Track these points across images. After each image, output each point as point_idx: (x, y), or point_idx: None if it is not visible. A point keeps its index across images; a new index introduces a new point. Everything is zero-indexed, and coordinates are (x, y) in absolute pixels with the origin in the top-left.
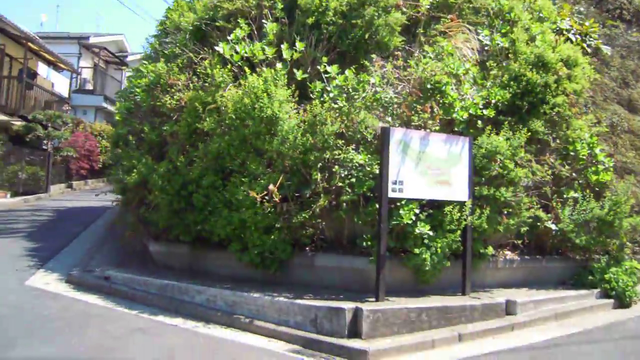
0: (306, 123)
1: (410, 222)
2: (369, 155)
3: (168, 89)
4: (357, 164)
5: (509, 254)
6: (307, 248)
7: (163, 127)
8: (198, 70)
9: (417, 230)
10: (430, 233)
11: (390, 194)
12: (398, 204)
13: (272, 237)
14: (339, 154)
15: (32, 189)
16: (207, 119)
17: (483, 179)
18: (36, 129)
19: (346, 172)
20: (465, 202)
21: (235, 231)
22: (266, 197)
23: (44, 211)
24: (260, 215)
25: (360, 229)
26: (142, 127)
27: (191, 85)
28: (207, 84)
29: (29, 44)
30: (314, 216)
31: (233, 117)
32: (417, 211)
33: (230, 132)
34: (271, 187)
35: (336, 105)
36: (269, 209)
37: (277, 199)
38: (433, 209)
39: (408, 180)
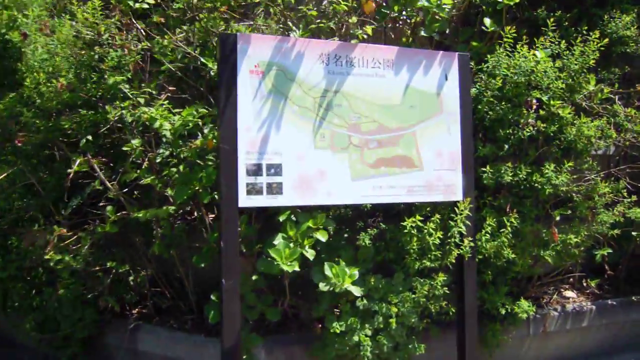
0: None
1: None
2: (195, 111)
3: None
4: (167, 133)
5: (571, 297)
6: (136, 311)
7: None
8: None
9: (325, 286)
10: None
11: (244, 202)
12: (280, 218)
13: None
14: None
15: None
16: None
17: (501, 148)
18: None
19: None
20: (457, 202)
21: None
22: None
23: None
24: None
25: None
26: None
27: None
28: None
29: None
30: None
31: None
32: (322, 238)
33: None
34: None
35: None
36: None
37: None
38: (383, 221)
39: (295, 161)
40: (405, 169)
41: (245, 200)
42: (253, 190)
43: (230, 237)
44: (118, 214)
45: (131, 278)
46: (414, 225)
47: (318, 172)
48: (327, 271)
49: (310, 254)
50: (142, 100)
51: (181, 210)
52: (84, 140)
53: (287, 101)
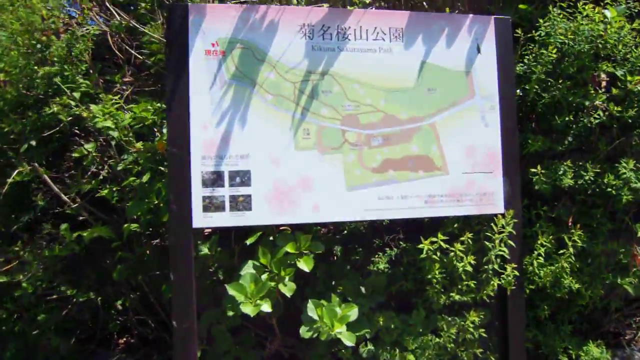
0: None
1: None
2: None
3: None
4: (114, 135)
5: None
6: (122, 341)
7: None
8: None
9: (307, 331)
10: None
11: (199, 222)
12: (248, 242)
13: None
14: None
15: None
16: None
17: (559, 141)
18: None
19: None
20: (496, 215)
21: None
22: None
23: None
24: None
25: None
26: None
27: None
28: None
29: None
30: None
31: None
32: (305, 267)
33: None
34: None
35: None
36: None
37: None
38: (404, 238)
39: (269, 167)
40: (422, 172)
41: (200, 220)
42: (211, 205)
43: (182, 267)
44: (84, 232)
45: (120, 303)
46: (434, 247)
47: (301, 180)
48: (311, 312)
49: (288, 288)
50: (77, 95)
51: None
52: (26, 146)
53: (256, 88)
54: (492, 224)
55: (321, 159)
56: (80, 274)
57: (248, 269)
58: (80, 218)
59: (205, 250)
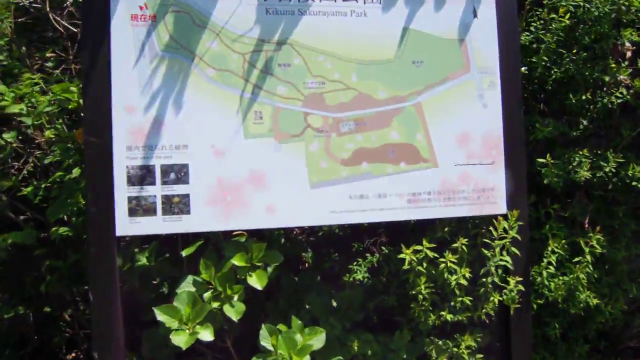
0: None
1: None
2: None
3: None
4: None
5: None
6: (71, 357)
7: None
8: None
9: None
10: None
11: (124, 229)
12: (185, 253)
13: None
14: None
15: None
16: None
17: (574, 125)
18: None
19: None
20: (497, 217)
21: None
22: None
23: None
24: None
25: None
26: None
27: None
28: None
29: None
30: None
31: None
32: (257, 284)
33: None
34: None
35: None
36: None
37: None
38: (388, 242)
39: (211, 159)
40: (404, 165)
41: (126, 226)
42: (139, 208)
43: (103, 284)
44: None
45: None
46: (419, 256)
47: (252, 176)
48: (265, 340)
49: (235, 310)
50: None
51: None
52: None
53: (196, 62)
54: (491, 228)
55: (278, 148)
56: (4, 286)
57: (187, 287)
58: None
59: (143, 260)
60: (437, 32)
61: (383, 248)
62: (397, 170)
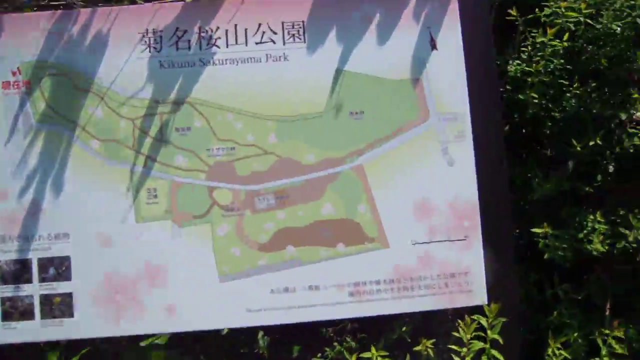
0: None
1: None
2: None
3: None
4: None
5: None
6: None
7: None
8: None
9: None
10: None
11: None
12: None
13: None
14: None
15: None
16: None
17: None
18: None
19: None
20: (475, 311)
21: None
22: None
23: None
24: None
25: None
26: None
27: None
28: None
29: None
30: None
31: None
32: None
33: None
34: None
35: None
36: None
37: None
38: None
39: (98, 251)
40: (342, 247)
41: None
42: (15, 311)
43: None
44: None
45: None
46: None
47: (147, 269)
48: None
49: None
50: None
51: None
52: None
53: (77, 133)
54: (460, 326)
55: (177, 233)
56: None
57: None
58: None
59: None
60: (381, 72)
61: (348, 340)
62: (334, 254)
